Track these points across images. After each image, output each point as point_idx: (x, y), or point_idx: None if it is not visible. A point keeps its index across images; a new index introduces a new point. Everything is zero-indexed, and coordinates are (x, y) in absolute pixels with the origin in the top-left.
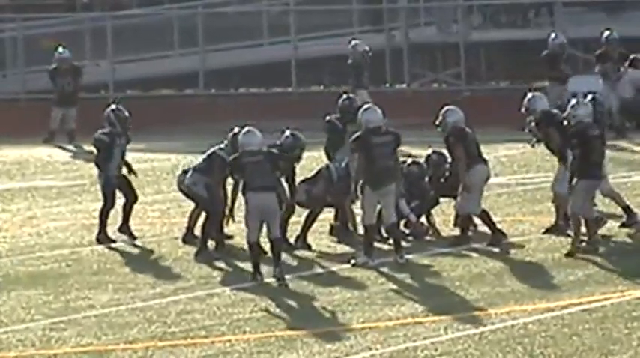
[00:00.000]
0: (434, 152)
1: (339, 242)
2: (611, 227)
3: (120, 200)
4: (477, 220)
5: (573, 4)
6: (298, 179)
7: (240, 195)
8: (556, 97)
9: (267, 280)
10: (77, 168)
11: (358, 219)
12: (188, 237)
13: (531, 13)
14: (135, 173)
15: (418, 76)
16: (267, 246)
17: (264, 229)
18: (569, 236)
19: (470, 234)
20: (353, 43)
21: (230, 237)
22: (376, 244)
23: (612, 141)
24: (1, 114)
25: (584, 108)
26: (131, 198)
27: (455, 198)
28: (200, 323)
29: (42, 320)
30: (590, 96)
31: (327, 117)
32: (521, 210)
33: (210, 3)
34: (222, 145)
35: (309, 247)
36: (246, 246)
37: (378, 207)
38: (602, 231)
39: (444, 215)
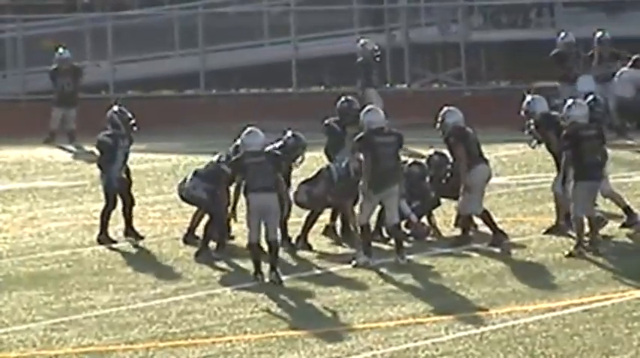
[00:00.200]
0: (435, 153)
1: (341, 242)
2: (611, 227)
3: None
4: (477, 220)
5: (573, 4)
6: (299, 180)
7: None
8: (568, 97)
9: (267, 280)
10: (78, 169)
11: None
12: (189, 238)
13: (532, 13)
14: (130, 179)
15: (419, 76)
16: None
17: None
18: (570, 236)
19: (471, 234)
20: (362, 41)
21: (232, 238)
22: (377, 244)
23: (612, 142)
24: (2, 114)
25: (580, 108)
26: (128, 203)
27: (456, 198)
28: (201, 323)
29: (43, 321)
30: (590, 97)
31: (326, 121)
32: (522, 210)
33: (210, 3)
34: (224, 158)
35: (309, 247)
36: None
37: (379, 207)
38: (602, 232)
39: (444, 215)
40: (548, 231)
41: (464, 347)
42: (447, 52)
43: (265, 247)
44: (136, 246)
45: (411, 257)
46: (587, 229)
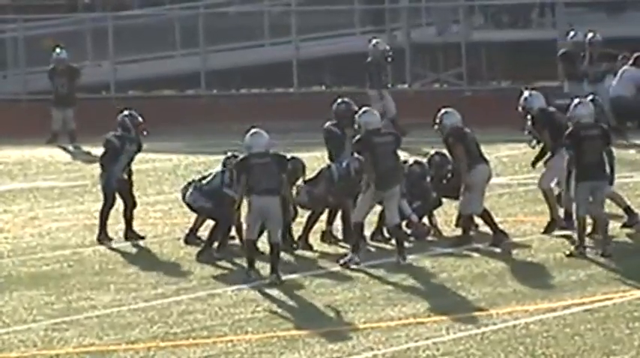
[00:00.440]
0: (436, 153)
1: (344, 240)
2: (612, 227)
3: (118, 203)
4: (478, 220)
5: (574, 4)
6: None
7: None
8: (574, 96)
9: (268, 280)
10: (79, 169)
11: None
12: (190, 238)
13: (533, 13)
14: (132, 181)
15: (420, 76)
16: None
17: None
18: (565, 229)
19: (471, 234)
20: (373, 41)
21: (232, 238)
22: (378, 244)
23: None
24: (3, 114)
25: (585, 108)
26: (130, 204)
27: (457, 198)
28: (202, 323)
29: (44, 321)
30: (589, 97)
31: (325, 126)
32: (522, 210)
33: (211, 3)
34: (227, 179)
35: (310, 248)
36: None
37: (379, 208)
38: None
39: (445, 215)
40: (546, 230)
41: (465, 347)
42: (447, 52)
43: (262, 247)
44: (137, 246)
45: (412, 257)
46: (587, 229)
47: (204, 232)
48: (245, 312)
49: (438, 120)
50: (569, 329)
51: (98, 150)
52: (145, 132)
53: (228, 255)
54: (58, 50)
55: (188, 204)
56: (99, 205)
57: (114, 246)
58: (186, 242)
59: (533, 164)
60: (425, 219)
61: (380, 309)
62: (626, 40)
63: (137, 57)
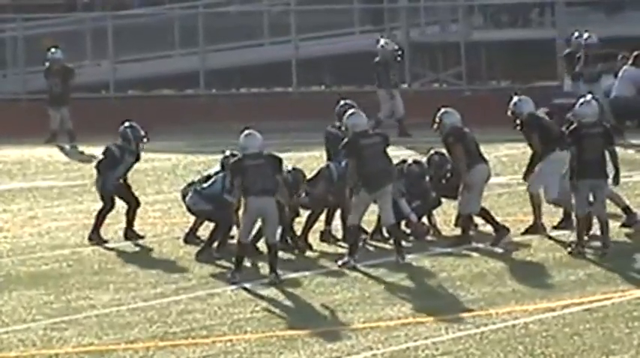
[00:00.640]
0: (436, 153)
1: (343, 240)
2: (611, 227)
3: (119, 201)
4: (478, 220)
5: (574, 3)
6: None
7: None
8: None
9: (267, 280)
10: (78, 169)
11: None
12: (189, 237)
13: (533, 12)
14: (128, 184)
15: (419, 76)
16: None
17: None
18: (548, 236)
19: (471, 233)
20: (382, 41)
21: (232, 237)
22: (378, 244)
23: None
24: (2, 114)
25: (589, 107)
26: (133, 204)
27: (456, 198)
28: (201, 323)
29: (43, 320)
30: (589, 96)
31: (327, 129)
32: (522, 209)
33: (211, 3)
34: (228, 184)
35: (310, 247)
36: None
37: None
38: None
39: (444, 215)
40: (526, 232)
41: (464, 346)
42: (447, 52)
43: (261, 247)
44: (136, 246)
45: (411, 256)
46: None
47: (203, 232)
48: (244, 312)
49: (437, 120)
50: (568, 328)
51: (97, 150)
52: (145, 140)
53: (228, 254)
54: (53, 50)
55: (188, 208)
56: (98, 205)
57: (113, 245)
58: (186, 241)
59: (525, 177)
60: (424, 219)
61: (379, 309)
62: (625, 39)
63: (137, 56)
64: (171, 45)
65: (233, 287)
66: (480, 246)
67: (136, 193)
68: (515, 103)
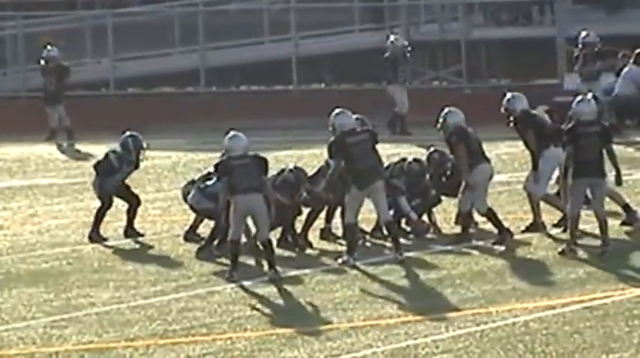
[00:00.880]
0: (435, 151)
1: (343, 238)
2: (611, 225)
3: (119, 201)
4: (477, 218)
5: (574, 1)
6: None
7: None
8: (607, 92)
9: (267, 277)
10: (78, 166)
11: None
12: (189, 235)
13: (533, 10)
14: (127, 185)
15: (419, 74)
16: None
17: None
18: (548, 234)
19: (471, 231)
20: (392, 37)
21: None
22: (377, 241)
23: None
24: (2, 111)
25: (587, 105)
26: (134, 203)
27: (456, 196)
28: (201, 320)
29: (43, 318)
30: (590, 95)
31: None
32: (522, 207)
33: (211, 1)
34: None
35: (310, 245)
36: (248, 244)
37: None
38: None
39: (444, 213)
40: (527, 230)
41: (464, 344)
42: (447, 50)
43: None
44: (136, 243)
45: (411, 254)
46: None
47: (203, 229)
48: (244, 310)
49: (440, 120)
50: (568, 326)
51: (98, 148)
52: (145, 149)
53: (228, 252)
54: (49, 47)
55: (191, 206)
56: (98, 203)
57: (113, 243)
58: (186, 239)
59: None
60: (424, 217)
61: (379, 307)
62: (625, 37)
63: (137, 54)
64: (172, 43)
65: (233, 284)
66: (480, 243)
67: (136, 191)
68: (508, 100)
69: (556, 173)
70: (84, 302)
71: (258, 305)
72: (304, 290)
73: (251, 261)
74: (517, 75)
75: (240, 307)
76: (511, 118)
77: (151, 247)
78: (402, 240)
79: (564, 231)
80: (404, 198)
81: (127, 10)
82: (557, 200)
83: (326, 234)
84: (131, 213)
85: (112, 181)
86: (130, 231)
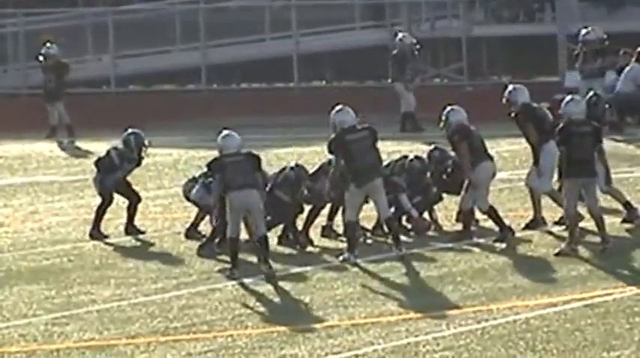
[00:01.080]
0: (436, 148)
1: (344, 235)
2: (612, 223)
3: (119, 198)
4: (479, 215)
5: None
6: None
7: None
8: (608, 90)
9: (262, 272)
10: (79, 163)
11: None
12: (190, 232)
13: (534, 8)
14: (127, 182)
15: (420, 71)
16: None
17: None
18: (548, 231)
19: (472, 229)
20: (400, 35)
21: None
22: (379, 238)
23: (614, 137)
24: (3, 109)
25: (576, 105)
26: (134, 200)
27: (458, 194)
28: (202, 318)
29: (44, 316)
30: (591, 93)
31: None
32: (523, 205)
33: None
34: None
35: (311, 242)
36: (246, 243)
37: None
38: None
39: (446, 210)
40: (527, 227)
41: (465, 341)
42: (448, 47)
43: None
44: (137, 241)
45: (412, 251)
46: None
47: (204, 227)
48: (245, 307)
49: (443, 118)
50: (569, 324)
51: (99, 145)
52: (147, 147)
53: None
54: (48, 44)
55: (194, 201)
56: (99, 200)
57: (114, 240)
58: (187, 236)
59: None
60: (425, 214)
61: (380, 304)
62: (626, 35)
63: (137, 51)
64: (172, 40)
65: (234, 282)
66: (482, 241)
67: (137, 188)
68: (510, 91)
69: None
70: (85, 300)
71: (259, 303)
72: (305, 287)
73: (252, 258)
74: (518, 72)
75: (241, 304)
76: (512, 109)
77: (152, 244)
78: (403, 238)
79: (566, 228)
80: (405, 196)
81: (128, 8)
82: (561, 197)
83: (327, 231)
84: (131, 210)
85: (113, 178)
86: (130, 229)
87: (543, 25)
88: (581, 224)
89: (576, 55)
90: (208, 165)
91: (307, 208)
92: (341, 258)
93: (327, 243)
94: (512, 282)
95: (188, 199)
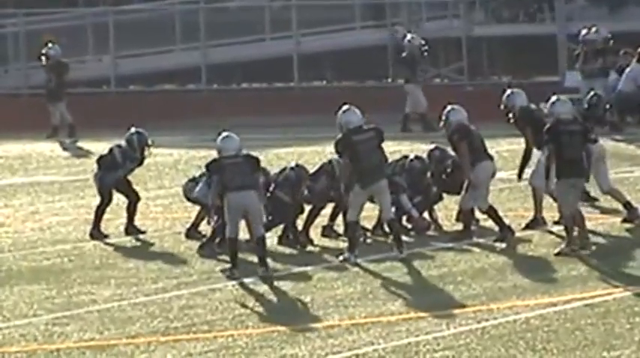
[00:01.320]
0: (436, 148)
1: (345, 235)
2: (612, 222)
3: (119, 198)
4: (479, 215)
5: None
6: None
7: None
8: (609, 89)
9: (259, 274)
10: (79, 163)
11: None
12: (191, 232)
13: (534, 8)
14: (128, 180)
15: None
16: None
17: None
18: (548, 230)
19: (472, 229)
20: (409, 36)
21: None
22: (379, 238)
23: (614, 137)
24: (3, 109)
25: (562, 105)
26: (133, 199)
27: (458, 194)
28: (202, 318)
29: (44, 315)
30: (592, 93)
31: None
32: (523, 204)
33: None
34: None
35: (311, 242)
36: (246, 242)
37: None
38: (604, 227)
39: (446, 210)
40: (527, 226)
41: (465, 341)
42: (448, 47)
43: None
44: (137, 241)
45: (412, 251)
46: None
47: (205, 226)
48: (245, 307)
49: (443, 117)
50: (569, 323)
51: (98, 145)
52: (151, 146)
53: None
54: (49, 45)
55: (197, 200)
56: (99, 199)
57: (114, 240)
58: (187, 236)
59: (519, 175)
60: (425, 214)
61: (380, 304)
62: (628, 35)
63: (138, 51)
64: (173, 40)
65: (234, 282)
66: (482, 241)
67: (138, 188)
68: (507, 96)
69: None
70: (85, 300)
71: (259, 303)
72: (305, 287)
73: (253, 258)
74: (518, 72)
75: (242, 304)
76: (510, 115)
77: (152, 244)
78: (403, 238)
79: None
80: (405, 196)
81: (129, 8)
82: None
83: (327, 231)
84: (131, 210)
85: (114, 176)
86: (130, 229)
87: (543, 25)
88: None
89: (577, 54)
90: (207, 166)
91: (307, 208)
92: (341, 257)
93: (328, 242)
94: (513, 282)
95: (188, 199)
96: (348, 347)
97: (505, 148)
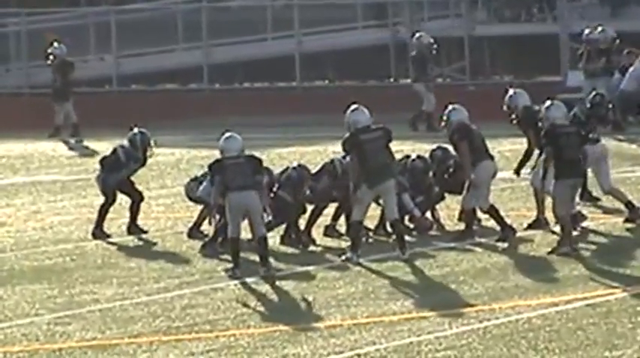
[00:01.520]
0: (438, 148)
1: (347, 235)
2: (614, 222)
3: (122, 197)
4: (481, 215)
5: None
6: None
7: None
8: (611, 89)
9: (261, 273)
10: (81, 163)
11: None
12: (193, 232)
13: (536, 7)
14: (131, 180)
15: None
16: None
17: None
18: (551, 230)
19: (474, 228)
20: (417, 35)
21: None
22: (382, 238)
23: (616, 137)
24: (5, 108)
25: (556, 109)
26: (137, 199)
27: (460, 194)
28: (205, 317)
29: (46, 315)
30: (594, 93)
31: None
32: (525, 204)
33: None
34: None
35: (313, 242)
36: (247, 241)
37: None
38: (606, 227)
39: (448, 209)
40: (530, 226)
41: (467, 341)
42: (450, 47)
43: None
44: (139, 240)
45: (414, 251)
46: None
47: (207, 226)
48: (247, 306)
49: (444, 117)
50: (571, 323)
51: (100, 144)
52: (153, 146)
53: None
54: (55, 44)
55: (200, 198)
56: (101, 199)
57: (116, 240)
58: (189, 236)
59: (517, 171)
60: (427, 214)
61: (382, 303)
62: (631, 35)
63: (140, 51)
64: (175, 39)
65: (236, 281)
66: (483, 241)
67: (140, 188)
68: (510, 97)
69: None
70: (87, 299)
71: (261, 302)
72: (308, 286)
73: (255, 258)
74: (520, 71)
75: (244, 304)
76: (513, 115)
77: (154, 244)
78: (406, 238)
79: (574, 228)
80: (407, 195)
81: (131, 7)
82: None
83: (330, 231)
84: (134, 210)
85: (117, 176)
86: (133, 228)
87: (546, 25)
88: (583, 224)
89: (580, 54)
90: (209, 167)
91: (309, 208)
92: (343, 257)
93: (330, 242)
94: (515, 282)
95: (191, 199)
96: (350, 346)
97: (507, 148)
